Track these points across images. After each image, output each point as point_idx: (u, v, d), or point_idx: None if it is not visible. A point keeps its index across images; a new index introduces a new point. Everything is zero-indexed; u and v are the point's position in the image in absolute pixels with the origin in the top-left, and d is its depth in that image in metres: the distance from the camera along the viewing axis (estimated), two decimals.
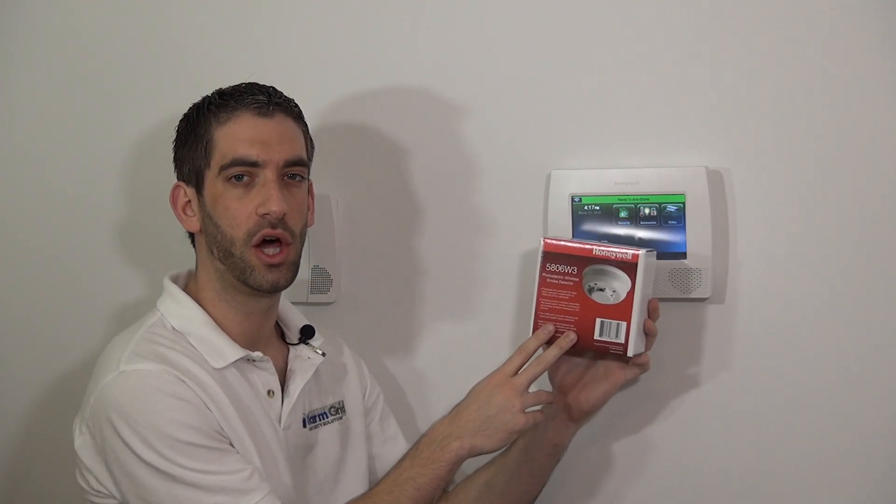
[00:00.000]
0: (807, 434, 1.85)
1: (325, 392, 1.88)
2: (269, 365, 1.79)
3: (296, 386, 1.80)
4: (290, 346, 1.86)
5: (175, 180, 1.81)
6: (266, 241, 1.73)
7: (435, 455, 1.74)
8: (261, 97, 1.75)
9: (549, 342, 1.78)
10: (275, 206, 1.71)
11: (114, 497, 1.72)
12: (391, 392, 2.06)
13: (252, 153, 1.72)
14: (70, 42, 2.27)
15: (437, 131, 2.04)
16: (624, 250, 1.74)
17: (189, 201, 1.79)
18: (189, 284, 1.82)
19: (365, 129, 2.08)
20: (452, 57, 2.02)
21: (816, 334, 1.84)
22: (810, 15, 1.81)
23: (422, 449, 1.77)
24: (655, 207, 1.87)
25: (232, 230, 1.73)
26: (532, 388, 1.76)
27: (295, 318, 1.89)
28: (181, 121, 1.81)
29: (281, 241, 1.74)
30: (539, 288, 1.79)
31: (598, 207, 1.90)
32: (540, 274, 1.79)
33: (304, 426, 1.82)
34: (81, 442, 1.73)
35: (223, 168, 1.73)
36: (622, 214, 1.88)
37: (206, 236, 1.77)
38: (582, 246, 1.77)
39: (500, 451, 1.83)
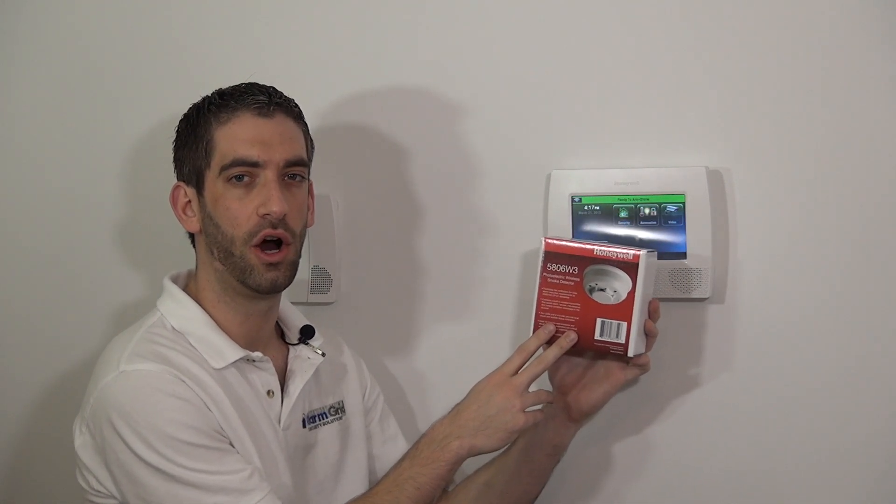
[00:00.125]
0: (807, 434, 1.86)
1: (325, 392, 1.88)
2: (269, 365, 1.79)
3: (295, 386, 1.80)
4: (290, 347, 1.86)
5: (175, 180, 1.81)
6: (266, 242, 1.73)
7: (435, 455, 1.74)
8: (261, 97, 1.75)
9: (550, 342, 1.78)
10: (275, 206, 1.71)
11: (114, 497, 1.72)
12: (391, 392, 2.06)
13: (252, 153, 1.72)
14: (70, 42, 2.27)
15: (437, 131, 2.04)
16: (625, 250, 1.74)
17: (189, 201, 1.79)
18: (189, 285, 1.82)
19: (365, 129, 2.08)
20: (452, 57, 2.02)
21: (816, 334, 1.84)
22: (810, 15, 1.81)
23: (422, 449, 1.77)
24: (655, 207, 1.87)
25: (232, 230, 1.73)
26: (532, 388, 1.76)
27: (295, 319, 1.89)
28: (181, 121, 1.81)
29: (281, 241, 1.74)
30: (540, 288, 1.79)
31: (598, 207, 1.90)
32: (541, 274, 1.79)
33: (304, 426, 1.82)
34: (81, 442, 1.73)
35: (223, 168, 1.73)
36: (622, 214, 1.88)
37: (206, 236, 1.77)
38: (583, 246, 1.77)
39: (500, 451, 1.83)
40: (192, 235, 1.82)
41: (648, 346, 1.80)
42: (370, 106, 2.07)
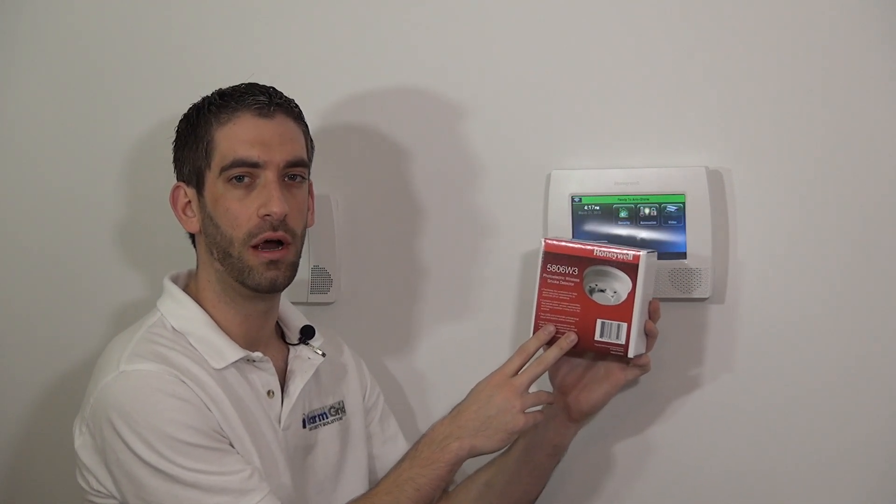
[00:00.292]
0: (807, 434, 1.85)
1: (325, 392, 1.88)
2: (269, 365, 1.79)
3: (295, 386, 1.80)
4: (290, 347, 1.86)
5: (175, 181, 1.81)
6: (266, 242, 1.73)
7: (435, 455, 1.74)
8: (261, 98, 1.75)
9: (550, 343, 1.78)
10: (276, 207, 1.71)
11: (114, 497, 1.72)
12: (391, 392, 2.06)
13: (253, 154, 1.72)
14: (70, 42, 2.27)
15: (437, 131, 2.04)
16: (625, 251, 1.74)
17: (189, 202, 1.78)
18: (189, 285, 1.82)
19: (365, 129, 2.08)
20: (452, 57, 2.02)
21: (816, 334, 1.84)
22: (810, 15, 1.81)
23: (422, 449, 1.77)
24: (655, 207, 1.87)
25: (231, 231, 1.73)
26: (532, 389, 1.76)
27: (295, 319, 1.89)
28: (181, 121, 1.81)
29: (282, 241, 1.74)
30: (540, 288, 1.79)
31: (598, 207, 1.90)
32: (541, 274, 1.79)
33: (304, 426, 1.82)
34: (81, 442, 1.73)
35: (224, 169, 1.73)
36: (622, 214, 1.88)
37: (206, 237, 1.77)
38: (583, 246, 1.77)
39: (500, 452, 1.83)
40: (192, 236, 1.82)
41: (649, 347, 1.80)
42: (370, 106, 2.07)
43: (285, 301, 1.89)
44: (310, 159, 1.82)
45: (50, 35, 2.27)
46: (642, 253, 1.73)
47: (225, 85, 1.79)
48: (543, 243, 1.79)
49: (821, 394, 1.85)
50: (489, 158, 2.01)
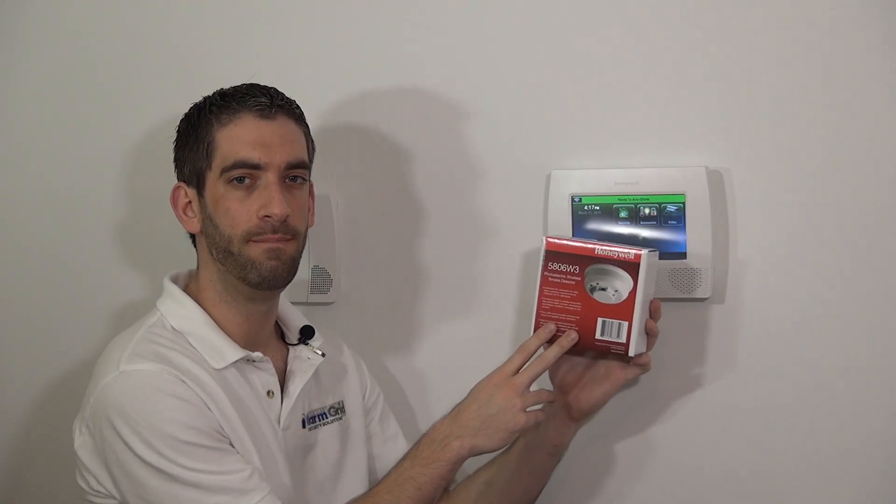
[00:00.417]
0: (807, 434, 1.86)
1: (325, 392, 1.88)
2: (269, 365, 1.79)
3: (295, 386, 1.80)
4: (290, 347, 1.86)
5: (175, 181, 1.81)
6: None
7: (436, 455, 1.74)
8: (262, 99, 1.74)
9: (551, 341, 1.78)
10: (277, 208, 1.71)
11: (114, 497, 1.72)
12: (391, 392, 2.06)
13: (254, 155, 1.72)
14: (70, 42, 2.27)
15: (437, 131, 2.04)
16: (626, 250, 1.74)
17: (189, 202, 1.78)
18: (189, 285, 1.82)
19: (365, 130, 2.08)
20: (452, 57, 2.02)
21: (817, 334, 1.84)
22: (810, 15, 1.81)
23: (422, 449, 1.77)
24: (655, 207, 1.87)
25: (230, 230, 1.73)
26: (533, 388, 1.76)
27: (295, 319, 1.89)
28: (182, 121, 1.81)
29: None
30: (540, 287, 1.78)
31: (598, 207, 1.90)
32: (542, 273, 1.78)
33: (304, 426, 1.82)
34: (81, 442, 1.73)
35: (224, 170, 1.73)
36: (622, 214, 1.88)
37: (206, 237, 1.76)
38: (584, 245, 1.77)
39: (501, 451, 1.83)
40: (192, 236, 1.82)
41: (649, 346, 1.80)
42: (370, 106, 2.07)
43: (285, 301, 1.88)
44: (311, 161, 1.82)
45: (50, 35, 2.27)
46: (644, 251, 1.73)
47: (225, 85, 1.79)
48: (545, 241, 1.79)
49: (821, 394, 1.85)
50: (489, 158, 2.01)
